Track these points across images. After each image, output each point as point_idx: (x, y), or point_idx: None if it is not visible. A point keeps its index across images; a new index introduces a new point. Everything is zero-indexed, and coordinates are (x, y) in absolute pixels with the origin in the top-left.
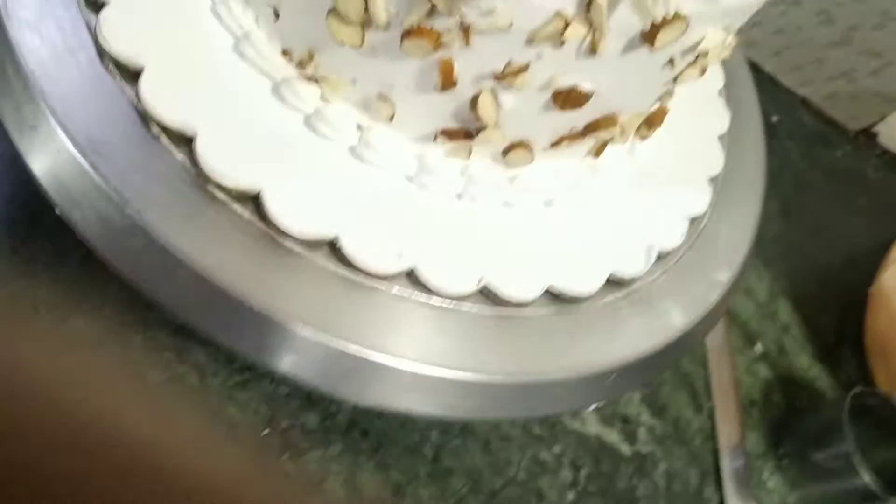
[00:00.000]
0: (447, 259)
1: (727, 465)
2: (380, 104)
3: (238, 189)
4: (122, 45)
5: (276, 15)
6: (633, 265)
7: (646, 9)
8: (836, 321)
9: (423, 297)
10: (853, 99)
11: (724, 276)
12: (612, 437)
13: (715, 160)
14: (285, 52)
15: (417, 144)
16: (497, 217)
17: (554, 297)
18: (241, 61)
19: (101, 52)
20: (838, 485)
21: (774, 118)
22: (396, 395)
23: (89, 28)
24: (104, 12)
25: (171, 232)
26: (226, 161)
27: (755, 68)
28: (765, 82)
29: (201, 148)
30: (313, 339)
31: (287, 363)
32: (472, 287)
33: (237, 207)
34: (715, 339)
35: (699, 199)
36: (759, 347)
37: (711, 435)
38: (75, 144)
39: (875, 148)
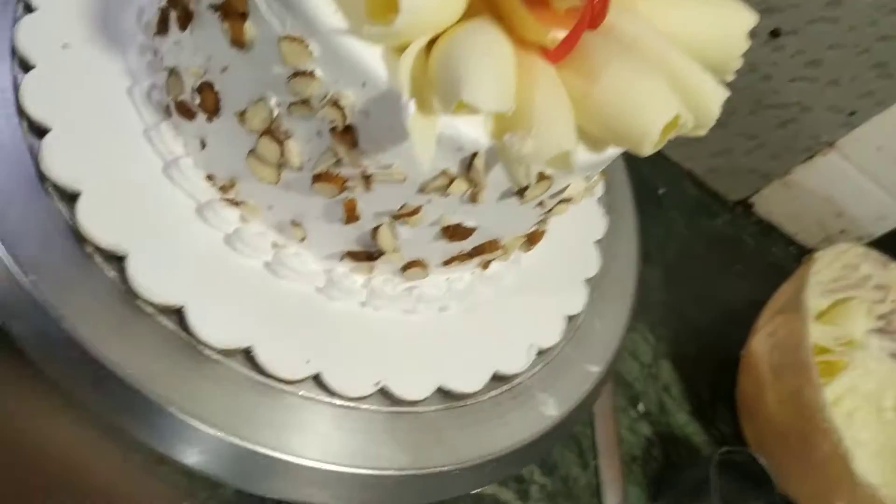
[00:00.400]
0: (350, 363)
1: None
2: (292, 228)
3: (164, 304)
4: (62, 171)
5: (203, 145)
6: (515, 363)
7: (515, 178)
8: (712, 381)
9: (326, 398)
10: (731, 173)
11: (595, 368)
12: (507, 495)
13: (591, 262)
14: (209, 177)
15: (326, 262)
16: (396, 323)
17: (444, 394)
18: (170, 184)
19: (42, 176)
20: None
21: (661, 190)
22: (298, 489)
23: (31, 152)
24: (47, 139)
25: (103, 344)
26: (153, 279)
27: None
28: (653, 156)
29: (132, 268)
30: (225, 439)
31: (200, 461)
32: (370, 389)
33: (162, 320)
34: (601, 402)
35: (576, 299)
36: (641, 407)
37: (597, 491)
38: (16, 261)
39: (751, 217)
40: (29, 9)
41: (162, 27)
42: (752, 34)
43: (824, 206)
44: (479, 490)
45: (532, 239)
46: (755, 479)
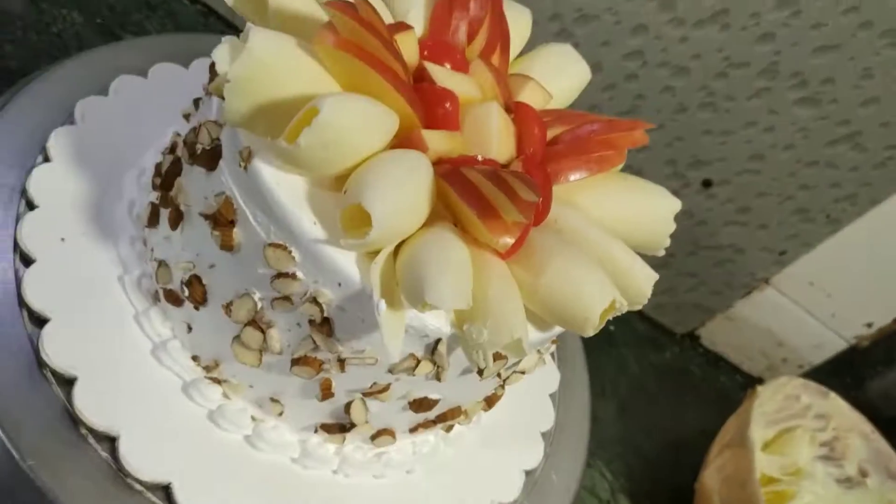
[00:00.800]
0: None
1: None
2: (271, 404)
3: (152, 482)
4: (60, 358)
5: (189, 329)
6: None
7: (474, 362)
8: None
9: None
10: (676, 308)
11: None
12: None
13: (546, 416)
14: (194, 358)
15: (301, 433)
16: (366, 488)
17: None
18: (158, 365)
19: (41, 363)
20: None
21: (612, 327)
22: None
23: (31, 341)
24: (46, 328)
25: None
26: (143, 458)
27: None
28: None
29: (123, 448)
30: None
31: None
32: None
33: (150, 495)
34: None
35: (533, 453)
36: None
37: None
38: (16, 448)
39: (698, 348)
40: (31, 206)
41: (153, 220)
42: (686, 184)
43: (765, 337)
44: None
45: (490, 402)
46: None
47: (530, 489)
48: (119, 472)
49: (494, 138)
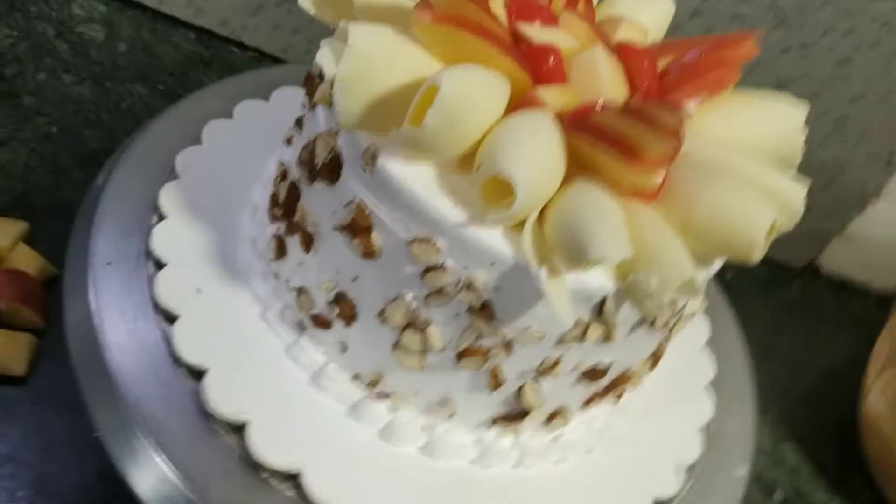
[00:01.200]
0: None
1: None
2: (441, 408)
3: None
4: (226, 407)
5: (344, 348)
6: (668, 486)
7: (647, 312)
8: (837, 451)
9: None
10: (789, 242)
11: (741, 471)
12: None
13: (708, 367)
14: (355, 377)
15: (474, 433)
16: (549, 477)
17: None
18: (319, 392)
19: (207, 415)
20: None
21: (728, 276)
22: None
23: (194, 395)
24: (206, 380)
25: None
26: (328, 491)
27: None
28: None
29: (308, 482)
30: None
31: None
32: None
33: None
34: None
35: (705, 406)
36: (777, 495)
37: None
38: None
39: (822, 277)
40: (159, 265)
41: (280, 252)
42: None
43: (890, 251)
44: None
45: (655, 359)
46: None
47: (710, 444)
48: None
49: (606, 82)
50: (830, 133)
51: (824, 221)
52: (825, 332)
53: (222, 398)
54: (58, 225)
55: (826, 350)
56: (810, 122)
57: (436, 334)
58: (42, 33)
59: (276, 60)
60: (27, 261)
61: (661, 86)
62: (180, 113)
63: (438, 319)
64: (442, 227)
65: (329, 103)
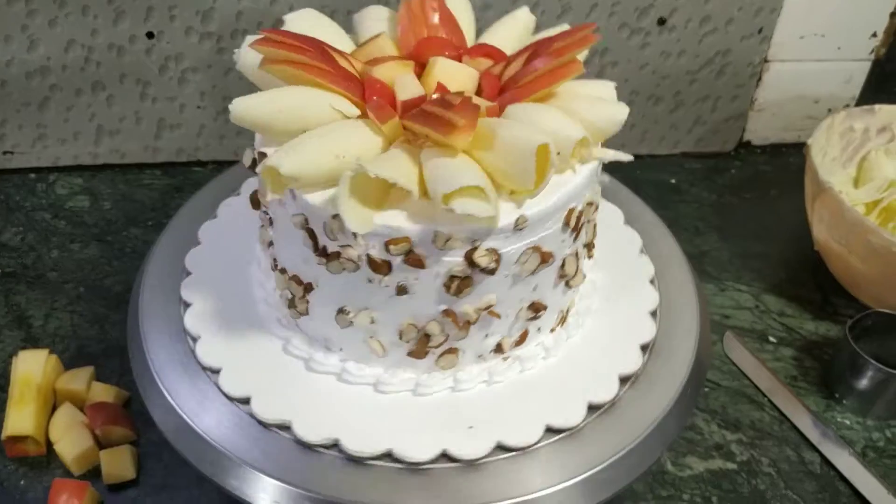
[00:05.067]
0: None
1: (810, 433)
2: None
3: None
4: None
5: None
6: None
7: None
8: (814, 282)
9: None
10: (714, 132)
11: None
12: (717, 463)
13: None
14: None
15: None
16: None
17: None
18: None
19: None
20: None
21: (673, 180)
22: None
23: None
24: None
25: None
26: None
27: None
28: (653, 162)
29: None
30: None
31: None
32: None
33: None
34: (738, 353)
35: (651, 296)
36: (772, 339)
37: (785, 418)
38: None
39: (755, 150)
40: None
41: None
42: (647, 33)
43: (800, 104)
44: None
45: (589, 247)
46: (887, 328)
47: (661, 326)
48: None
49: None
50: (703, 32)
51: (734, 103)
52: (774, 194)
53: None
54: (115, 360)
55: (780, 208)
56: (682, 28)
57: None
58: (41, 220)
59: (234, 163)
60: (104, 393)
61: (506, 83)
62: (169, 240)
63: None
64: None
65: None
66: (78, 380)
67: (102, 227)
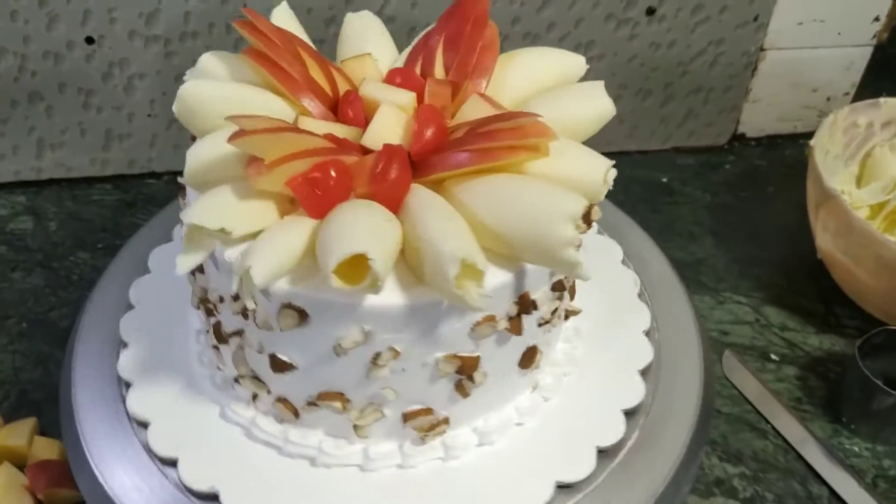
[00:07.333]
0: None
1: (816, 462)
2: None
3: None
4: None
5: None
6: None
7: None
8: (816, 294)
9: None
10: (707, 125)
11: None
12: (718, 502)
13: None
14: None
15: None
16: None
17: None
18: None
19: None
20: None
21: (664, 179)
22: None
23: None
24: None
25: None
26: None
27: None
28: (642, 159)
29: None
30: None
31: None
32: None
33: None
34: (738, 374)
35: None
36: (773, 356)
37: (789, 446)
38: None
39: (750, 142)
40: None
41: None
42: (636, 23)
43: (798, 93)
44: None
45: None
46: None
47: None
48: None
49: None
50: (694, 21)
51: (728, 95)
52: (772, 192)
53: None
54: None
55: (778, 208)
56: (673, 17)
57: None
58: None
59: None
60: (47, 449)
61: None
62: (119, 268)
63: None
64: None
65: None
66: (18, 434)
67: (47, 251)
